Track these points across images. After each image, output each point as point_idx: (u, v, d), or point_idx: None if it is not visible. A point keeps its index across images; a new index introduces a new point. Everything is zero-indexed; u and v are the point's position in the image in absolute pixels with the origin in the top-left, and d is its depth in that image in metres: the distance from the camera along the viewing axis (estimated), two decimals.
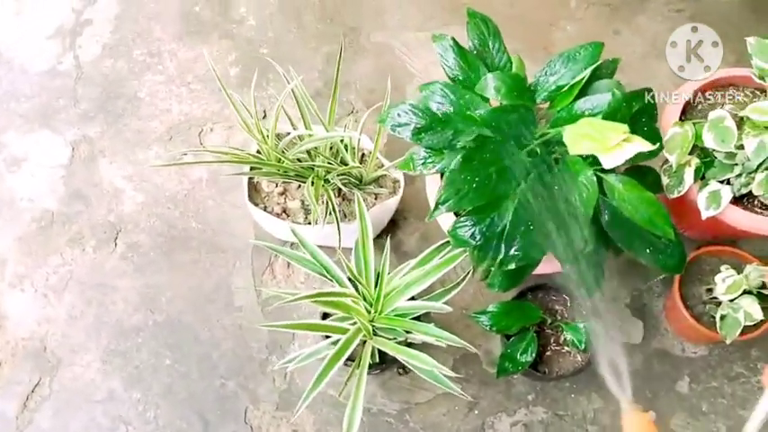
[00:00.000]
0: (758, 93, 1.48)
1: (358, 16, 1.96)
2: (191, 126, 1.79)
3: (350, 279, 1.32)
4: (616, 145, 0.90)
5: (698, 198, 1.35)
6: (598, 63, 1.18)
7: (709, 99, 1.53)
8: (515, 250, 1.10)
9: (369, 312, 1.28)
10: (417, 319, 1.28)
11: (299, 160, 1.44)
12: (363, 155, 1.57)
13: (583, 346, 1.31)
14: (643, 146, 0.88)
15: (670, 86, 1.84)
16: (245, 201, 1.48)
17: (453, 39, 1.25)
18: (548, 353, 1.40)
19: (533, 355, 1.32)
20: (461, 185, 1.09)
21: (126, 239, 1.63)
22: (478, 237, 1.17)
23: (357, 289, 1.31)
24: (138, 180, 1.71)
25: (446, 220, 1.42)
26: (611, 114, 1.10)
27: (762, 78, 1.35)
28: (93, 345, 1.51)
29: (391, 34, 1.94)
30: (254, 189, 1.52)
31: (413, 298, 1.27)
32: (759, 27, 1.90)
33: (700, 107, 1.52)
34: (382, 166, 1.52)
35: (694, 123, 1.37)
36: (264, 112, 1.80)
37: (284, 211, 1.50)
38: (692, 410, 1.47)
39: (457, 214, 1.34)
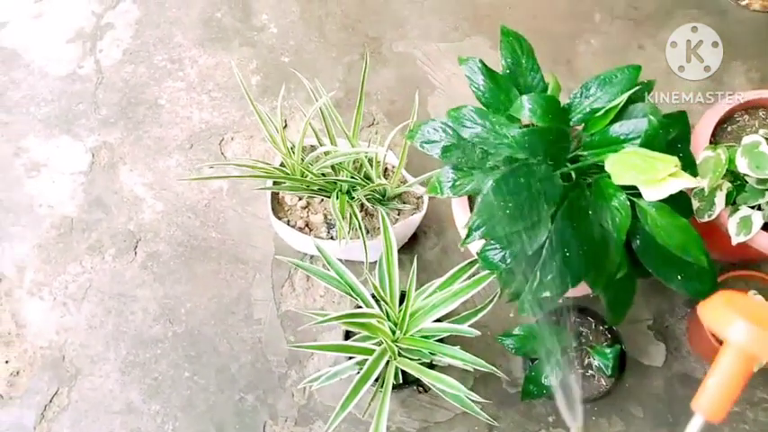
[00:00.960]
0: None
1: (379, 26, 1.94)
2: (211, 134, 1.77)
3: (373, 296, 1.31)
4: (662, 179, 0.88)
5: (729, 224, 1.34)
6: (637, 89, 1.16)
7: (738, 121, 1.52)
8: (551, 278, 1.09)
9: (393, 332, 1.26)
10: (441, 340, 1.27)
11: (323, 174, 1.43)
12: (386, 169, 1.56)
13: (610, 372, 1.30)
14: (690, 182, 0.86)
15: (696, 104, 1.84)
16: (268, 214, 1.47)
17: (481, 61, 1.24)
18: (572, 375, 1.39)
19: (558, 379, 1.31)
20: (495, 211, 1.07)
21: (146, 248, 1.62)
22: (509, 260, 1.16)
23: (381, 307, 1.30)
24: (159, 188, 1.69)
25: (461, 216, 1.40)
26: (648, 142, 1.09)
27: None
28: (111, 355, 1.50)
29: (413, 44, 1.92)
30: (276, 202, 1.51)
31: (438, 319, 1.26)
32: None
33: (729, 129, 1.51)
34: (405, 181, 1.51)
35: (727, 147, 1.35)
36: (285, 121, 1.79)
37: (307, 225, 1.49)
38: None
39: None
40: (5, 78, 1.86)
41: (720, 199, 1.36)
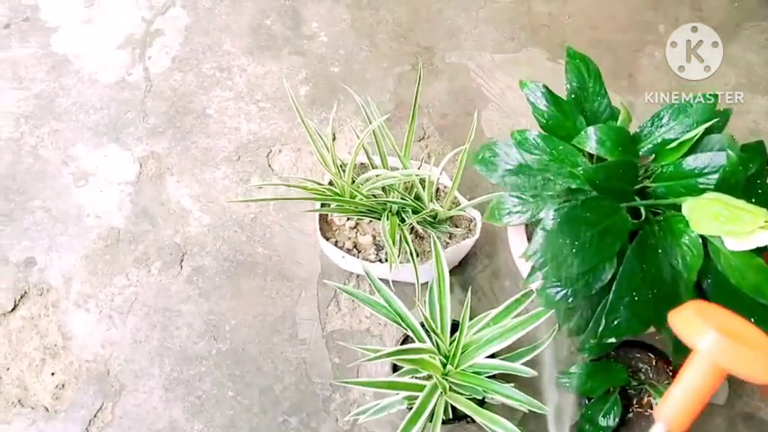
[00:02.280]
0: None
1: (432, 35, 1.89)
2: (259, 146, 1.74)
3: (422, 324, 1.27)
4: (750, 231, 0.82)
5: None
6: (714, 121, 1.08)
7: None
8: (618, 322, 1.02)
9: (444, 365, 1.22)
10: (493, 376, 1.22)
11: (373, 196, 1.39)
12: (438, 189, 1.51)
13: None
14: None
15: (766, 124, 1.73)
16: (315, 232, 1.43)
17: (545, 86, 1.17)
18: (629, 414, 1.32)
19: (616, 419, 1.24)
20: (560, 250, 1.01)
21: (192, 262, 1.60)
22: (571, 299, 1.10)
23: (431, 338, 1.25)
24: (205, 201, 1.68)
25: (518, 245, 1.35)
26: (726, 180, 1.01)
27: None
28: (156, 371, 1.49)
29: (466, 55, 1.86)
30: (324, 221, 1.47)
31: (492, 354, 1.21)
32: None
33: None
34: (458, 203, 1.45)
35: None
36: (334, 134, 1.75)
37: (355, 246, 1.45)
38: None
39: None
40: (56, 85, 1.87)
41: None
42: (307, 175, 1.71)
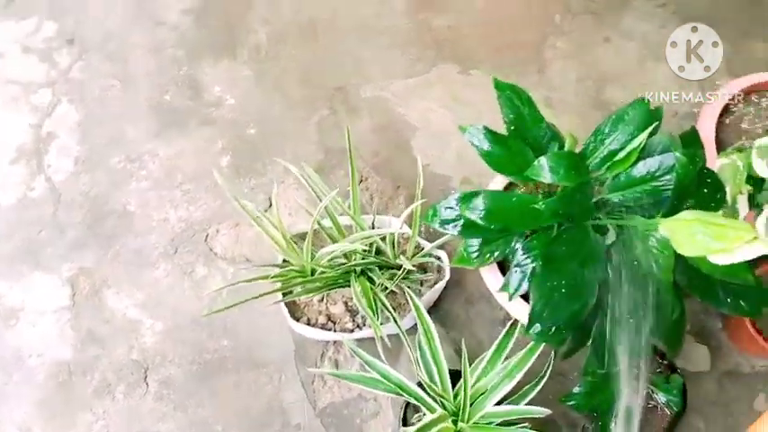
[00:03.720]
0: None
1: (341, 74, 1.83)
2: (194, 232, 1.64)
3: (419, 384, 1.24)
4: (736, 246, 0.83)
5: (757, 226, 1.31)
6: (654, 125, 1.10)
7: (734, 112, 1.48)
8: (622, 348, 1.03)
9: (455, 422, 1.19)
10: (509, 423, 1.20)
11: (337, 265, 1.33)
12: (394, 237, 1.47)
13: (679, 407, 1.26)
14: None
15: (673, 88, 1.80)
16: (286, 319, 1.36)
17: (485, 127, 1.15)
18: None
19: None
20: (550, 293, 1.01)
21: (157, 376, 1.49)
22: (564, 331, 1.10)
23: (429, 395, 1.22)
24: (153, 306, 1.56)
25: (494, 281, 1.33)
26: (681, 182, 1.04)
27: None
28: None
29: (380, 86, 1.82)
30: (292, 302, 1.40)
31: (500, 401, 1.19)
32: (741, 18, 1.86)
33: (728, 122, 1.47)
34: (421, 247, 1.42)
35: (738, 151, 1.32)
36: (270, 200, 1.67)
37: (329, 318, 1.40)
38: None
39: (526, 298, 1.26)
40: None
41: (743, 204, 1.32)
42: (252, 248, 1.63)
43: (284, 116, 1.78)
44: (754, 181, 1.33)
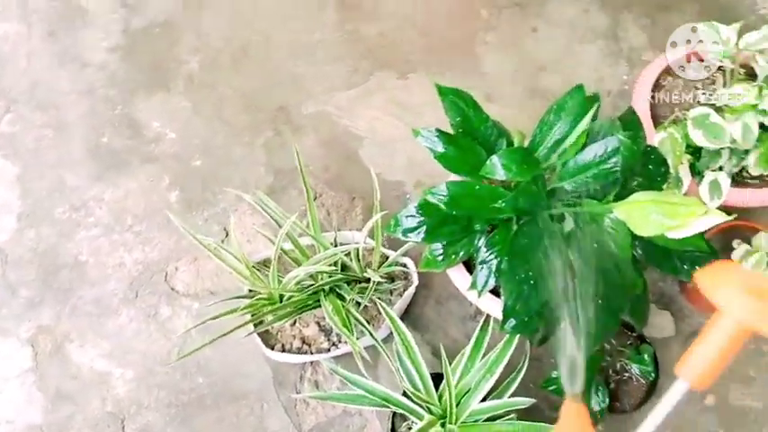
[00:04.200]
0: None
1: (281, 94, 1.83)
2: (152, 273, 1.61)
3: (404, 393, 1.24)
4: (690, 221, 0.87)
5: (700, 192, 1.37)
6: (594, 107, 1.13)
7: (664, 85, 1.55)
8: (596, 331, 1.06)
9: (443, 425, 1.20)
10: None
11: (304, 288, 1.33)
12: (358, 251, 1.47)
13: (653, 376, 1.30)
14: (721, 218, 0.85)
15: (604, 68, 1.87)
16: (259, 348, 1.35)
17: (437, 129, 1.17)
18: (611, 386, 1.39)
19: (607, 399, 1.30)
20: (519, 287, 1.03)
21: (135, 425, 1.45)
22: (536, 321, 1.12)
23: (414, 402, 1.23)
24: (120, 354, 1.52)
25: (461, 280, 1.35)
26: (628, 163, 1.08)
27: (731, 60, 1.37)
28: None
29: (321, 101, 1.82)
30: (264, 331, 1.39)
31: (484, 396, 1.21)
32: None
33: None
34: (386, 256, 1.43)
35: (674, 123, 1.38)
36: (225, 230, 1.65)
37: (303, 341, 1.39)
38: (744, 380, 1.51)
39: (495, 293, 1.28)
40: None
41: (685, 172, 1.38)
42: (214, 281, 1.61)
43: (228, 143, 1.76)
44: (693, 150, 1.40)
